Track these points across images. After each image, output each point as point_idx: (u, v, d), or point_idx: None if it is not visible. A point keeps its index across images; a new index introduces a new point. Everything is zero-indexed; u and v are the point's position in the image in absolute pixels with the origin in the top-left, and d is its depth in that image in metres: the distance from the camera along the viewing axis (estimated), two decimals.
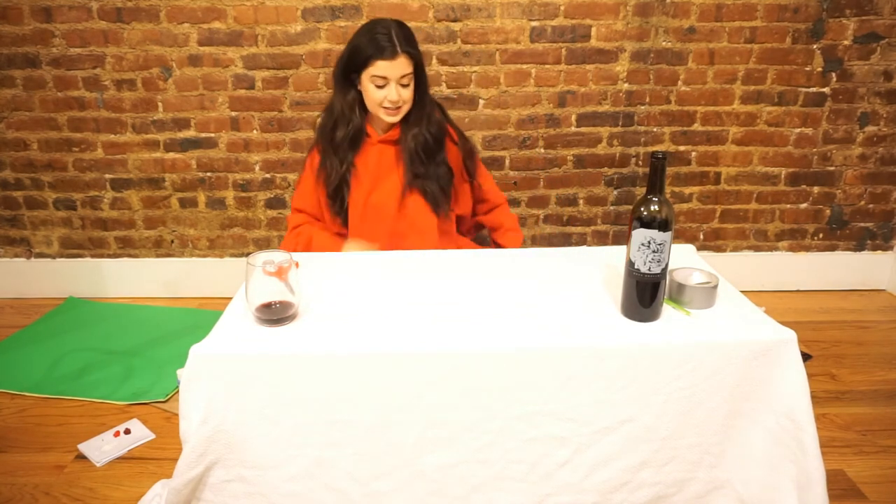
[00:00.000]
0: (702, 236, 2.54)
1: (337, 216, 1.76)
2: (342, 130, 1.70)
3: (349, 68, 1.67)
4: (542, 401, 1.15)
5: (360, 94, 1.69)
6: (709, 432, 1.19)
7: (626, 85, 2.31)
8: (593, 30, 2.24)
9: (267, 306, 1.19)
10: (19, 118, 2.34)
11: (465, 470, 1.18)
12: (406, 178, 1.72)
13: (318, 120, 1.79)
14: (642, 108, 2.35)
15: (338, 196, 1.73)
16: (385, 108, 1.65)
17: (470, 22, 2.22)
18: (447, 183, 1.76)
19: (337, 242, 1.74)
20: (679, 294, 1.25)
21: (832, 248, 2.56)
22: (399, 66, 1.60)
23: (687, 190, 2.46)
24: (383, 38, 1.60)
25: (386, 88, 1.62)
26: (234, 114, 2.33)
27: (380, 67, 1.60)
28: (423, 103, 1.71)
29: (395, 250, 1.63)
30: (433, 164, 1.73)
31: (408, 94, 1.65)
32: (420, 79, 1.68)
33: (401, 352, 1.13)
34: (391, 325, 1.19)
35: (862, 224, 2.52)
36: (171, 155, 2.39)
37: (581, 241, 2.54)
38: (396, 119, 1.68)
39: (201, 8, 2.20)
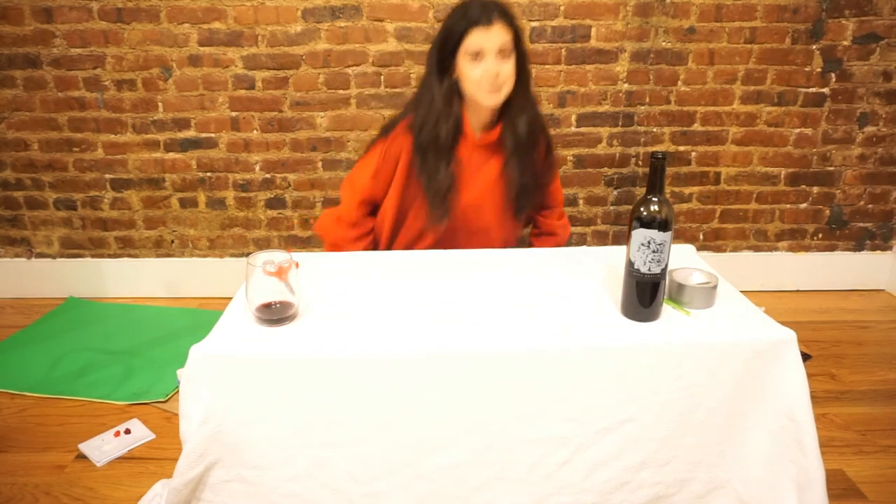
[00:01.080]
0: (702, 236, 2.54)
1: (432, 215, 1.60)
2: (445, 126, 1.53)
3: (444, 52, 1.51)
4: (541, 401, 1.15)
5: (456, 83, 1.54)
6: (709, 432, 1.19)
7: (626, 85, 2.31)
8: (593, 30, 2.24)
9: (267, 306, 1.19)
10: (20, 118, 2.35)
11: (466, 470, 1.18)
12: (505, 171, 1.59)
13: (406, 115, 1.61)
14: (642, 108, 2.35)
15: (441, 197, 1.58)
16: (485, 87, 1.47)
17: None
18: (534, 185, 1.64)
19: None
20: (679, 294, 1.25)
21: (832, 248, 2.56)
22: (496, 35, 1.44)
23: (687, 190, 2.46)
24: (475, 9, 1.45)
25: (483, 62, 1.45)
26: (234, 114, 2.34)
27: (475, 38, 1.44)
28: (527, 86, 1.55)
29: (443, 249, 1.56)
30: (529, 158, 1.60)
31: (508, 68, 1.47)
32: (521, 57, 1.52)
33: (401, 352, 1.13)
34: (391, 325, 1.20)
35: (862, 224, 2.52)
36: (172, 155, 2.39)
37: (581, 241, 2.54)
38: (499, 99, 1.50)
39: (201, 8, 2.20)
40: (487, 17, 1.44)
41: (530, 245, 1.89)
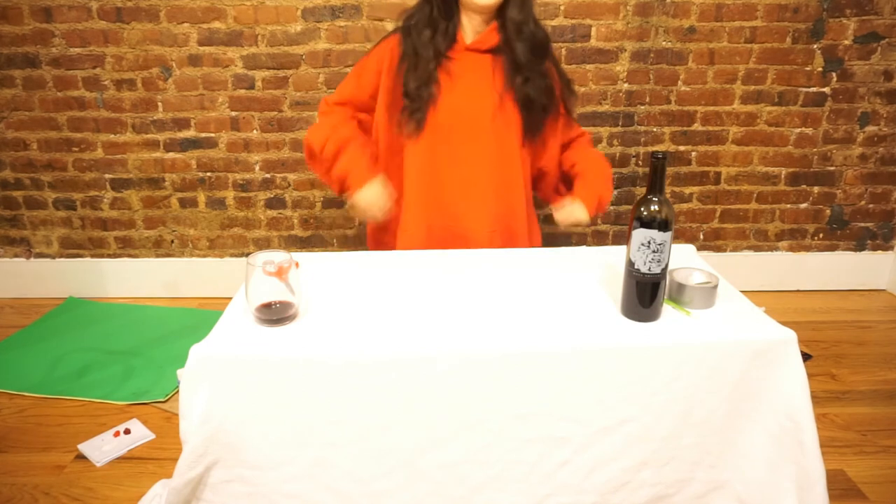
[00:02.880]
0: (702, 236, 2.54)
1: (409, 121, 1.52)
2: (439, 32, 1.50)
3: None
4: (541, 401, 1.15)
5: None
6: (709, 432, 1.19)
7: (626, 85, 2.31)
8: (593, 30, 2.24)
9: (267, 306, 1.19)
10: (19, 118, 2.34)
11: (465, 470, 1.18)
12: (505, 80, 1.51)
13: (402, 16, 1.57)
14: (642, 108, 2.35)
15: (419, 99, 1.50)
16: None
17: None
18: (549, 100, 1.54)
19: (364, 173, 1.48)
20: (679, 294, 1.25)
21: (832, 248, 2.56)
22: None
23: (687, 190, 2.46)
24: None
25: None
26: (234, 114, 2.33)
27: None
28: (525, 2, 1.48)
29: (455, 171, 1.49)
30: (536, 72, 1.52)
31: None
32: None
33: (401, 352, 1.13)
34: (391, 325, 1.19)
35: (862, 224, 2.52)
36: (171, 155, 2.39)
37: (581, 241, 2.54)
38: (491, 0, 1.45)
39: (201, 8, 2.20)
40: None
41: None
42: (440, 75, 1.52)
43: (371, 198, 1.51)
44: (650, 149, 2.40)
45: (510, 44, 1.51)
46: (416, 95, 1.51)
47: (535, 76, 1.53)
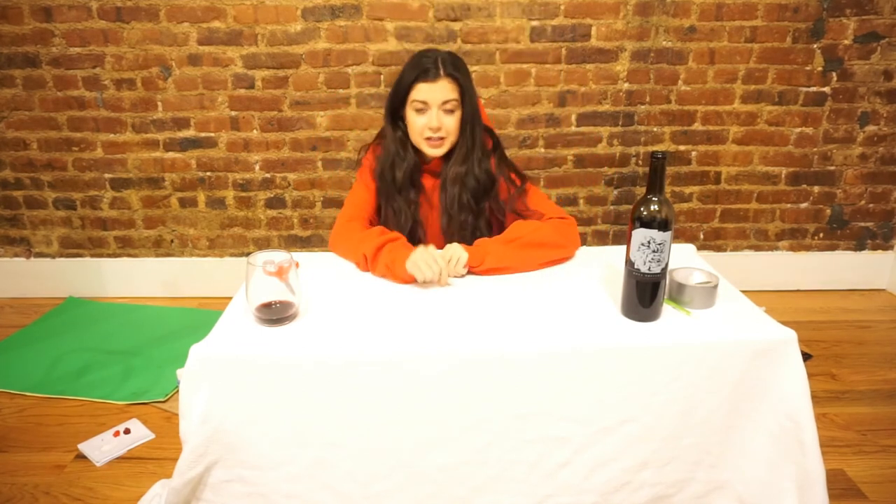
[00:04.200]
0: (702, 236, 2.54)
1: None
2: (400, 170, 1.56)
3: (395, 101, 1.54)
4: (541, 401, 1.15)
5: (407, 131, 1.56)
6: (709, 432, 1.19)
7: (626, 84, 2.31)
8: (593, 29, 2.24)
9: (267, 306, 1.19)
10: (19, 118, 2.34)
11: (466, 470, 1.18)
12: (441, 222, 1.58)
13: (367, 155, 1.65)
14: (642, 107, 2.34)
15: (407, 231, 1.57)
16: (427, 138, 1.50)
17: (470, 21, 2.22)
18: (473, 230, 1.58)
19: (401, 250, 1.40)
20: (679, 294, 1.25)
21: (832, 248, 2.56)
22: (440, 90, 1.46)
23: (687, 190, 2.46)
24: (427, 61, 1.47)
25: (427, 114, 1.48)
26: (233, 113, 2.33)
27: (421, 90, 1.47)
28: (471, 142, 1.53)
29: None
30: (471, 214, 1.56)
31: (451, 122, 1.49)
32: (468, 112, 1.51)
33: (401, 352, 1.13)
34: (391, 325, 1.19)
35: (862, 224, 2.52)
36: (171, 154, 2.39)
37: (581, 240, 2.53)
38: (440, 151, 1.52)
39: (201, 7, 2.20)
40: (435, 70, 1.46)
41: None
42: (423, 203, 1.60)
43: (421, 258, 1.37)
44: (650, 148, 2.40)
45: (445, 188, 1.56)
46: (400, 229, 1.57)
47: (469, 218, 1.57)
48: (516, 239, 1.42)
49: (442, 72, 1.46)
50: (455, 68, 1.49)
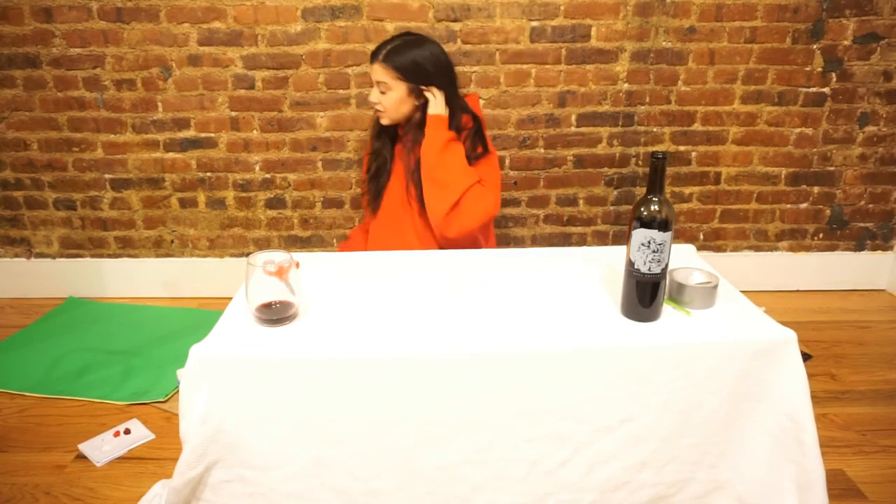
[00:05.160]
0: (702, 236, 2.54)
1: (370, 207, 1.92)
2: (376, 128, 1.91)
3: None
4: (541, 400, 1.15)
5: None
6: (709, 432, 1.19)
7: (626, 85, 2.31)
8: (593, 30, 2.24)
9: (267, 306, 1.19)
10: (19, 118, 2.34)
11: (465, 469, 1.18)
12: (406, 180, 1.83)
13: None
14: (642, 108, 2.35)
15: (374, 184, 1.91)
16: (374, 107, 1.82)
17: (470, 22, 2.22)
18: None
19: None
20: (679, 294, 1.25)
21: (832, 248, 2.56)
22: (375, 72, 1.77)
23: (687, 190, 2.46)
24: (379, 45, 1.78)
25: (373, 88, 1.79)
26: (234, 114, 2.33)
27: (370, 68, 1.80)
28: (418, 123, 1.80)
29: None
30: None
31: (384, 100, 1.78)
32: (417, 85, 1.76)
33: (401, 352, 1.13)
34: (391, 325, 1.20)
35: (862, 224, 2.52)
36: (171, 155, 2.39)
37: (581, 241, 2.54)
38: (384, 121, 1.83)
39: (201, 8, 2.20)
40: (375, 55, 1.77)
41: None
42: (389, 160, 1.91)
43: None
44: (650, 149, 2.40)
45: (406, 149, 1.85)
46: (372, 176, 1.94)
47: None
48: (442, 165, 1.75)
49: (379, 57, 1.75)
50: (392, 56, 1.74)
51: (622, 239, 2.54)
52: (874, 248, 2.56)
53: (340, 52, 2.25)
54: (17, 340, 2.23)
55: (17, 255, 2.55)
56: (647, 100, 2.33)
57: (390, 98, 1.77)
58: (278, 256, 1.17)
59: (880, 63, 2.29)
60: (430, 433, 1.16)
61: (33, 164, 2.41)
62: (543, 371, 1.14)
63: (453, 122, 1.79)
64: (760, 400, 1.17)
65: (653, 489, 1.21)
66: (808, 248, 2.56)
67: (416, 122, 1.81)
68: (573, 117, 2.35)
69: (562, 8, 2.21)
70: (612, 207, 2.49)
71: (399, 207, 1.85)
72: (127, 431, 1.74)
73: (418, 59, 1.76)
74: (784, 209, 2.49)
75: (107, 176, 2.42)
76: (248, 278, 1.17)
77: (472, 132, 1.82)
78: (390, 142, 1.89)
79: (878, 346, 2.18)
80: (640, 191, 2.46)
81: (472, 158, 1.80)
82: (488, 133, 2.36)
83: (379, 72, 1.76)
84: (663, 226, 1.11)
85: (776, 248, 2.56)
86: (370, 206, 1.93)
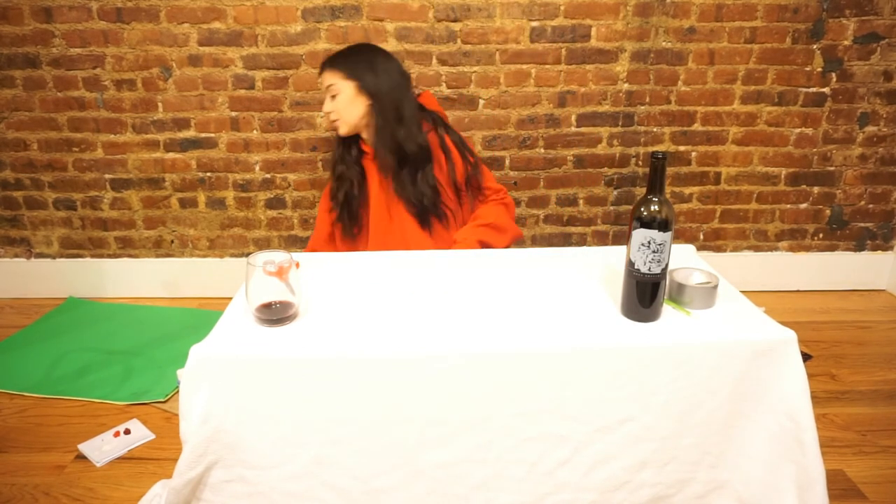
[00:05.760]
0: (702, 236, 2.54)
1: (348, 236, 1.88)
2: (342, 149, 1.87)
3: None
4: (541, 400, 1.15)
5: None
6: (709, 432, 1.19)
7: (626, 85, 2.31)
8: (593, 30, 2.24)
9: (267, 306, 1.19)
10: (19, 118, 2.35)
11: (465, 468, 1.18)
12: (386, 193, 1.81)
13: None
14: (642, 108, 2.35)
15: (345, 210, 1.86)
16: (328, 118, 1.82)
17: (470, 22, 2.22)
18: (431, 202, 1.80)
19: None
20: (679, 294, 1.25)
21: (832, 248, 2.56)
22: (324, 79, 1.80)
23: (687, 190, 2.46)
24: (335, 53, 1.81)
25: (325, 100, 1.81)
26: (234, 114, 2.34)
27: (319, 80, 1.82)
28: (381, 120, 1.76)
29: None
30: (412, 184, 1.78)
31: (336, 105, 1.77)
32: (374, 95, 1.75)
33: (401, 351, 1.13)
34: (391, 325, 1.20)
35: (862, 224, 2.52)
36: (171, 155, 2.39)
37: (581, 241, 2.54)
38: (341, 131, 1.82)
39: (201, 8, 2.20)
40: (322, 67, 1.80)
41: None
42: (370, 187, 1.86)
43: None
44: (650, 149, 2.40)
45: (380, 157, 1.79)
46: (343, 203, 1.88)
47: (410, 187, 1.79)
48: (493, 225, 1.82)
49: (328, 63, 1.79)
50: (336, 59, 1.78)
51: (622, 239, 2.54)
52: (874, 249, 2.56)
53: None
54: (17, 340, 2.23)
55: (17, 255, 2.55)
56: (647, 100, 2.33)
57: (341, 100, 1.77)
58: (278, 256, 1.17)
59: (880, 63, 2.29)
60: (429, 433, 1.16)
61: (33, 165, 2.41)
62: (543, 371, 1.14)
63: (413, 144, 1.76)
64: (760, 400, 1.17)
65: (652, 489, 1.21)
66: (808, 249, 2.56)
67: (376, 130, 1.78)
68: (573, 117, 2.35)
69: (562, 8, 2.21)
70: (612, 207, 2.49)
71: (383, 224, 1.84)
72: (127, 431, 1.74)
73: (362, 55, 1.79)
74: (784, 209, 2.49)
75: (107, 176, 2.42)
76: (248, 278, 1.17)
77: (438, 133, 1.82)
78: (355, 163, 1.85)
79: (878, 346, 2.18)
80: (640, 191, 2.46)
81: (472, 174, 1.84)
82: (488, 133, 2.37)
83: (326, 77, 1.78)
84: (663, 226, 1.11)
85: (776, 249, 2.56)
86: (346, 234, 1.89)
